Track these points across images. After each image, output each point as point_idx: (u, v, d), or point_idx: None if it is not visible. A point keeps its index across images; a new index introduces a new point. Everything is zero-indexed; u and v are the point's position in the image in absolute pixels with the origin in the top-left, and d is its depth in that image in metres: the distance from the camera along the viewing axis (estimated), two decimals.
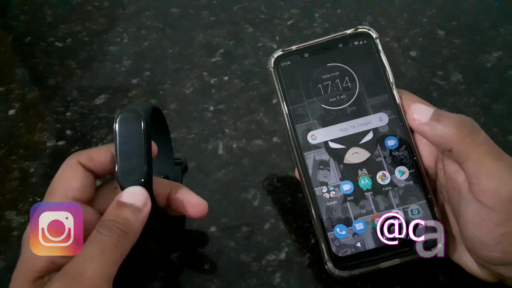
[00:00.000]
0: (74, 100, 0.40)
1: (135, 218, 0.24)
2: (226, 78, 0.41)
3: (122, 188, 0.24)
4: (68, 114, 0.39)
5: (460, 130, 0.24)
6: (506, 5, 0.47)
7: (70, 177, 0.25)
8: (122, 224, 0.23)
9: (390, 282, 0.28)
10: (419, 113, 0.26)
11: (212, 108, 0.39)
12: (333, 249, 0.26)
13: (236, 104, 0.39)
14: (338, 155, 0.27)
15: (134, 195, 0.24)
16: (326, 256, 0.26)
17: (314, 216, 0.27)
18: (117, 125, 0.25)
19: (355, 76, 0.28)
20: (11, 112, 0.40)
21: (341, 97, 0.28)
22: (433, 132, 0.25)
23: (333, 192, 0.27)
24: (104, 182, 0.28)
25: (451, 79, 0.40)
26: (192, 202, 0.27)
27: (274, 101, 0.39)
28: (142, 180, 0.24)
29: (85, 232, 0.24)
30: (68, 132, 0.38)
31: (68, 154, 0.36)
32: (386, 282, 0.28)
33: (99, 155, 0.26)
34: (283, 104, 0.28)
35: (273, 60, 0.29)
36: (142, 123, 0.25)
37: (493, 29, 0.45)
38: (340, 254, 0.26)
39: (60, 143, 0.37)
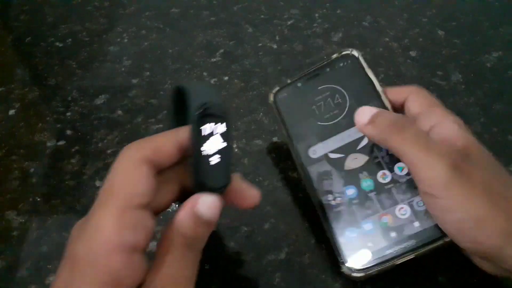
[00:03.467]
0: (74, 100, 0.40)
1: (205, 237, 0.22)
2: (226, 78, 0.41)
3: (197, 190, 0.21)
4: (68, 114, 0.39)
5: (389, 129, 0.25)
6: (506, 5, 0.47)
7: (135, 179, 0.21)
8: (201, 242, 0.22)
9: (390, 282, 0.28)
10: (360, 115, 0.27)
11: None
12: (346, 252, 0.27)
13: (236, 104, 0.39)
14: (338, 164, 0.29)
15: (210, 208, 0.21)
16: (340, 260, 0.27)
17: (324, 223, 0.28)
18: (197, 119, 0.21)
19: (344, 92, 0.31)
20: (11, 112, 0.40)
21: (334, 112, 0.31)
22: (369, 134, 0.27)
23: (339, 199, 0.28)
24: None
25: (451, 79, 0.40)
26: (249, 193, 0.24)
27: None
28: (225, 185, 0.22)
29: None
30: (68, 132, 0.38)
31: (68, 154, 0.36)
32: (386, 282, 0.28)
33: (166, 146, 0.22)
34: (284, 129, 0.32)
35: (272, 96, 0.33)
36: (229, 115, 0.22)
37: (493, 29, 0.45)
38: (353, 256, 0.27)
39: (60, 143, 0.37)
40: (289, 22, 0.46)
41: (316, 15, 0.47)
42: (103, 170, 0.35)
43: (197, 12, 0.48)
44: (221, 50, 0.44)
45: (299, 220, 0.32)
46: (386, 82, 0.40)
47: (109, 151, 0.36)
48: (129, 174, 0.21)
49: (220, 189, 0.22)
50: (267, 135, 0.37)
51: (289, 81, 0.33)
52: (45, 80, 0.42)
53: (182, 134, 0.22)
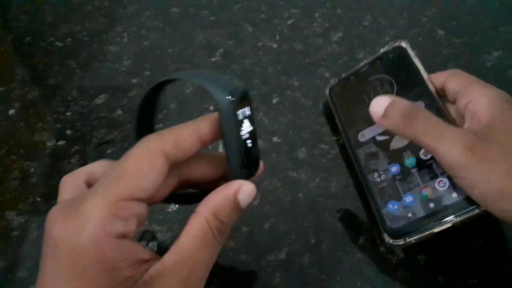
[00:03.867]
0: (74, 100, 0.40)
1: (234, 223, 0.22)
2: (226, 77, 0.41)
3: (237, 176, 0.22)
4: (68, 113, 0.39)
5: (401, 121, 0.26)
6: (506, 5, 0.47)
7: (147, 171, 0.20)
8: (229, 229, 0.22)
9: (390, 282, 0.28)
10: (375, 107, 0.27)
11: (212, 108, 0.39)
12: (388, 222, 0.29)
13: None
14: (384, 145, 0.32)
15: (249, 196, 0.22)
16: (382, 230, 0.29)
17: (370, 198, 0.31)
18: (233, 105, 0.21)
19: (392, 80, 0.34)
20: (11, 112, 0.40)
21: None
22: (385, 127, 0.27)
23: (383, 175, 0.31)
24: None
25: None
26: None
27: (274, 101, 0.39)
28: (259, 165, 0.23)
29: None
30: (68, 131, 0.38)
31: (68, 154, 0.36)
32: (386, 282, 0.28)
33: (188, 140, 0.21)
34: (338, 118, 0.35)
35: (328, 90, 0.37)
36: (251, 103, 0.22)
37: (493, 28, 0.45)
38: (394, 226, 0.29)
39: (60, 143, 0.37)
40: (289, 22, 0.46)
41: (316, 14, 0.47)
42: None
43: (197, 12, 0.48)
44: (221, 50, 0.44)
45: (299, 220, 0.32)
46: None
47: (109, 151, 0.36)
48: (142, 165, 0.20)
49: (255, 173, 0.22)
50: (267, 135, 0.37)
51: (343, 75, 0.36)
52: (45, 79, 0.42)
53: (202, 125, 0.22)
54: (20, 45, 0.46)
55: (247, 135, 0.21)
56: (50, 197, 0.34)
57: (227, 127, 0.21)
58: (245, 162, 0.22)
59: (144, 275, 0.20)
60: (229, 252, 0.30)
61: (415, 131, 0.25)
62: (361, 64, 0.36)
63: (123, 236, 0.20)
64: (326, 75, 0.41)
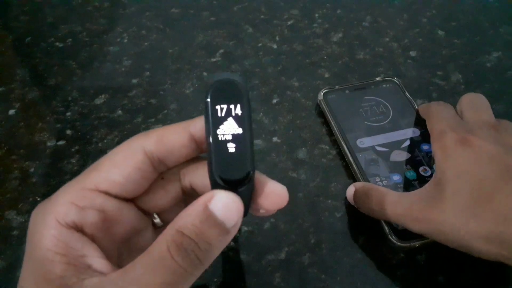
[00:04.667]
0: (74, 100, 0.40)
1: (218, 245, 0.18)
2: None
3: (214, 185, 0.18)
4: (68, 114, 0.39)
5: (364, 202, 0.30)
6: (506, 6, 0.47)
7: (118, 164, 0.19)
8: (202, 251, 0.17)
9: (390, 282, 0.28)
10: (348, 195, 0.31)
11: None
12: (394, 224, 0.30)
13: None
14: (384, 155, 0.33)
15: (227, 208, 0.18)
16: (388, 231, 0.30)
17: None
18: (209, 97, 0.18)
19: (387, 105, 0.37)
20: (11, 112, 0.40)
21: (379, 117, 0.36)
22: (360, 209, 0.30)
23: (385, 181, 0.32)
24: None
25: (451, 79, 0.40)
26: (274, 190, 0.20)
27: (274, 101, 0.39)
28: (249, 175, 0.18)
29: (119, 239, 0.19)
30: (68, 132, 0.38)
31: (68, 154, 0.36)
32: (386, 282, 0.28)
33: (172, 137, 0.20)
34: (332, 121, 0.36)
35: (321, 94, 0.38)
36: (246, 96, 0.19)
37: (492, 29, 0.45)
38: (400, 228, 0.29)
39: (60, 143, 0.37)
40: (289, 22, 0.46)
41: (316, 15, 0.47)
42: None
43: (197, 13, 0.48)
44: (221, 50, 0.44)
45: (299, 220, 0.32)
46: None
47: (109, 151, 0.36)
48: (116, 158, 0.19)
49: (240, 182, 0.18)
50: (267, 135, 0.37)
51: (337, 87, 0.38)
52: (45, 80, 0.42)
53: (196, 122, 0.20)
54: (20, 45, 0.46)
55: (229, 137, 0.18)
56: None
57: (204, 124, 0.19)
58: (221, 169, 0.18)
59: (78, 283, 0.17)
60: (229, 252, 0.30)
61: (370, 205, 0.29)
62: (355, 84, 0.39)
63: (75, 226, 0.18)
64: (326, 75, 0.41)
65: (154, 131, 0.20)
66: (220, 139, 0.18)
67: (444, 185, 0.26)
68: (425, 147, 0.34)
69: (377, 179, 0.32)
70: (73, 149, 0.37)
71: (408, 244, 0.29)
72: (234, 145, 0.18)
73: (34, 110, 0.40)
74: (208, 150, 0.18)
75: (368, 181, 0.32)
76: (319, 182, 0.34)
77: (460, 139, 0.27)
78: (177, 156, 0.20)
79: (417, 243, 0.29)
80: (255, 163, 0.19)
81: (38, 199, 0.34)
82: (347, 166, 0.34)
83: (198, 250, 0.17)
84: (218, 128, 0.18)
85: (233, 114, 0.18)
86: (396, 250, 0.30)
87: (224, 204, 0.18)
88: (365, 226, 0.31)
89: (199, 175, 0.21)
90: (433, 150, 0.29)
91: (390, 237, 0.29)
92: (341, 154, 0.35)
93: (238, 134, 0.18)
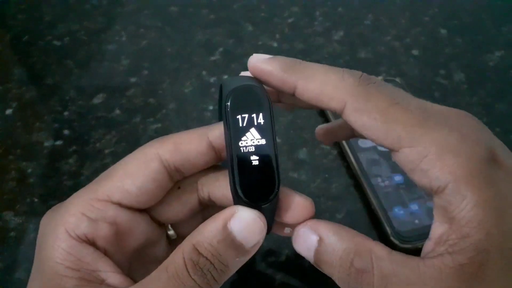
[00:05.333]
0: (72, 100, 0.40)
1: (235, 265, 0.17)
2: (225, 77, 0.41)
3: (236, 200, 0.17)
4: (66, 113, 0.39)
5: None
6: (508, 4, 0.47)
7: (132, 173, 0.18)
8: (218, 271, 0.16)
9: None
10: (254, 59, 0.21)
11: (211, 108, 0.39)
12: (395, 225, 0.29)
13: None
14: (386, 155, 0.33)
15: (249, 228, 0.17)
16: (389, 232, 0.29)
17: (374, 201, 0.31)
18: (229, 107, 0.17)
19: None
20: (8, 111, 0.40)
21: None
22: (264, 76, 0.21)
23: (387, 182, 0.31)
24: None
25: (454, 78, 0.40)
26: (299, 203, 0.19)
27: None
28: (274, 192, 0.17)
29: (132, 250, 0.19)
30: (66, 131, 0.38)
31: (66, 154, 0.36)
32: None
33: (189, 144, 0.19)
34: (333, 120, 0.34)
35: None
36: (268, 104, 0.17)
37: (495, 28, 0.44)
38: (402, 229, 0.29)
39: (58, 142, 0.37)
40: (289, 21, 0.46)
41: (317, 13, 0.46)
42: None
43: (196, 11, 0.47)
44: (221, 49, 0.43)
45: None
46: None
47: (107, 151, 0.36)
48: (130, 167, 0.18)
49: (264, 199, 0.17)
50: None
51: None
52: (43, 79, 0.42)
53: (214, 129, 0.19)
54: (17, 44, 0.46)
55: (252, 149, 0.17)
56: (48, 197, 0.34)
57: (224, 135, 0.18)
58: (244, 184, 0.17)
59: None
60: None
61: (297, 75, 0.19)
62: None
63: (86, 240, 0.18)
64: None
65: (169, 138, 0.19)
66: (242, 151, 0.17)
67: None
68: None
69: (379, 179, 0.32)
70: (70, 149, 0.36)
71: (410, 246, 0.29)
72: (257, 157, 0.17)
73: (31, 109, 0.40)
74: (230, 163, 0.17)
75: (371, 182, 0.31)
76: (320, 182, 0.33)
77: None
78: (194, 165, 0.19)
79: (418, 245, 0.29)
80: (280, 178, 0.18)
81: (36, 200, 0.33)
82: (348, 167, 0.34)
83: (214, 271, 0.16)
84: (240, 139, 0.17)
85: (255, 123, 0.17)
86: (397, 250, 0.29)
87: (246, 224, 0.17)
88: (366, 227, 0.31)
89: (219, 186, 0.20)
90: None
91: (391, 238, 0.29)
92: (342, 155, 0.35)
93: (261, 145, 0.17)
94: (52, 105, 0.40)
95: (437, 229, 0.16)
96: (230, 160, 0.17)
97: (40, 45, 0.45)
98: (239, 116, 0.17)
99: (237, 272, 0.29)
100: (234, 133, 0.17)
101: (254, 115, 0.17)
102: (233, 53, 0.43)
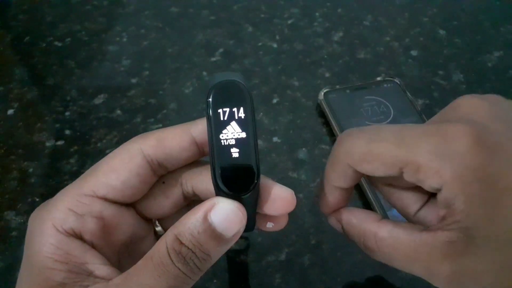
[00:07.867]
0: (73, 100, 0.40)
1: (217, 254, 0.17)
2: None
3: (217, 192, 0.18)
4: (67, 114, 0.39)
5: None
6: (507, 5, 0.47)
7: (116, 169, 0.19)
8: (200, 259, 0.17)
9: (391, 282, 0.28)
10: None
11: None
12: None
13: None
14: None
15: (229, 218, 0.17)
16: None
17: (374, 200, 0.31)
18: (211, 100, 0.18)
19: (388, 104, 0.37)
20: (10, 112, 0.40)
21: (380, 117, 0.36)
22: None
23: None
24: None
25: (452, 79, 0.40)
26: (280, 195, 0.19)
27: (274, 101, 0.39)
28: (254, 182, 0.18)
29: (117, 245, 0.19)
30: (67, 132, 0.38)
31: (67, 154, 0.36)
32: (387, 282, 0.28)
33: (172, 140, 0.19)
34: (333, 119, 0.36)
35: (322, 94, 0.38)
36: (249, 98, 0.18)
37: (494, 28, 0.44)
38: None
39: (59, 143, 0.37)
40: (289, 21, 0.46)
41: (317, 14, 0.47)
42: None
43: (196, 11, 0.48)
44: (221, 50, 0.44)
45: (299, 220, 0.31)
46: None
47: (108, 151, 0.36)
48: (114, 162, 0.19)
49: (244, 189, 0.18)
50: (267, 135, 0.37)
51: (337, 86, 0.38)
52: (44, 79, 0.42)
53: (197, 127, 0.19)
54: (19, 44, 0.46)
55: (232, 142, 0.18)
56: (49, 197, 0.33)
57: (207, 128, 0.18)
58: (224, 175, 0.18)
59: None
60: (229, 252, 0.30)
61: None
62: (356, 84, 0.39)
63: (74, 234, 0.18)
64: (327, 75, 0.41)
65: (153, 133, 0.20)
66: (223, 143, 0.18)
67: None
68: None
69: None
70: (72, 149, 0.36)
71: None
72: (238, 150, 0.18)
73: (32, 110, 0.40)
74: (211, 155, 0.18)
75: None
76: (319, 182, 0.33)
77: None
78: (178, 160, 0.20)
79: None
80: (260, 168, 0.18)
81: (37, 199, 0.34)
82: None
83: (196, 259, 0.17)
84: (221, 132, 0.18)
85: (236, 117, 0.18)
86: None
87: (226, 215, 0.17)
88: None
89: (202, 181, 0.20)
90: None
91: None
92: None
93: (242, 138, 0.18)
94: (54, 106, 0.40)
95: (440, 211, 0.18)
96: (211, 153, 0.18)
97: (42, 45, 0.45)
98: (220, 110, 0.18)
99: (237, 272, 0.29)
100: (215, 126, 0.18)
101: (235, 109, 0.18)
102: (233, 54, 0.43)
